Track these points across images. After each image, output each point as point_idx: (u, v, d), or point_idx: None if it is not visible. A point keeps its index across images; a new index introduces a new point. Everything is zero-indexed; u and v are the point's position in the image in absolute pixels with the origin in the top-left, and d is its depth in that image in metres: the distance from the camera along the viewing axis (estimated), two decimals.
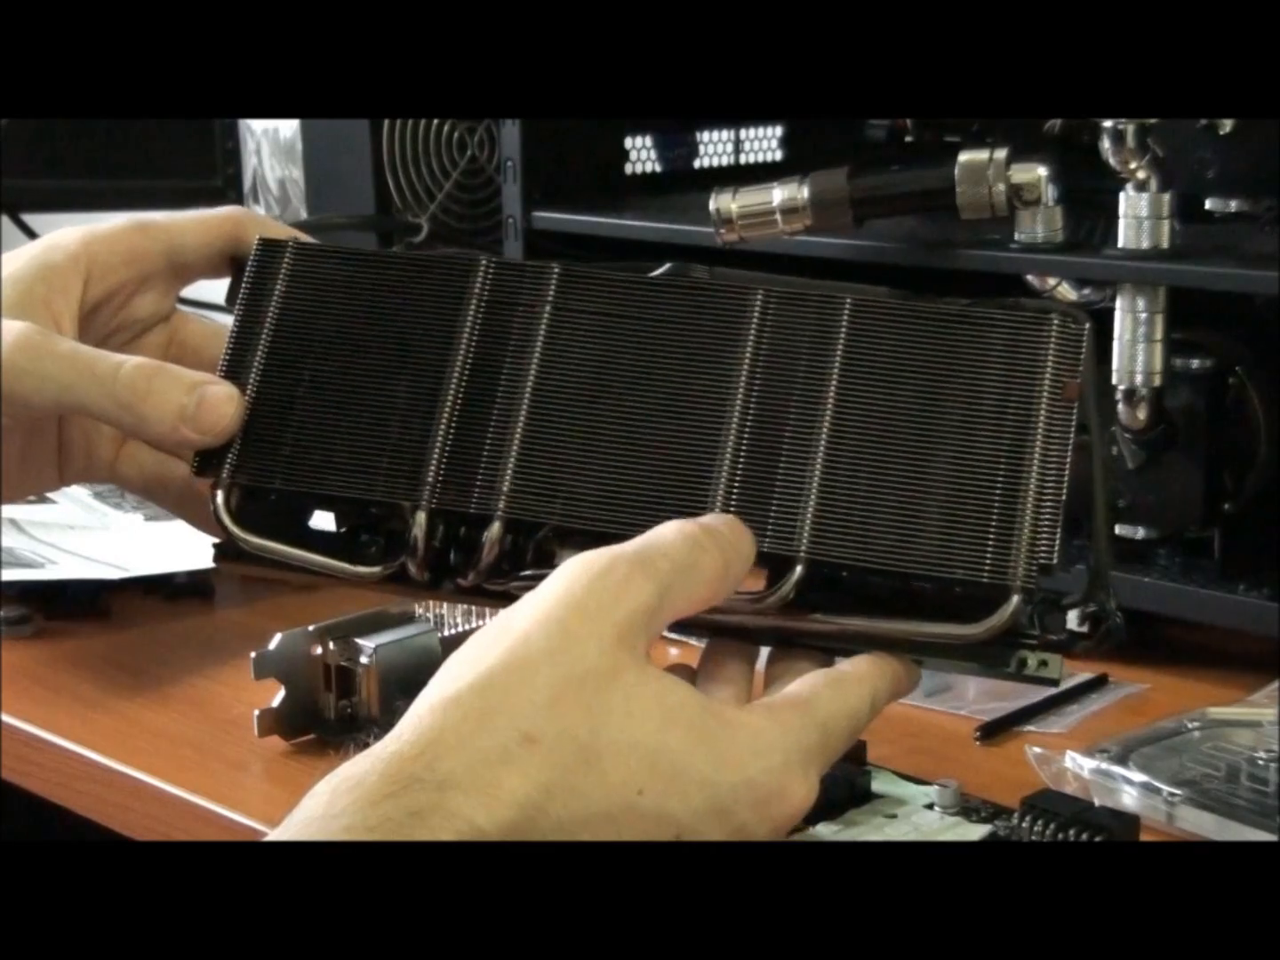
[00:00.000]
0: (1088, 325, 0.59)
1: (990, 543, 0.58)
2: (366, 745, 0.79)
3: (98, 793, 0.82)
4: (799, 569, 0.59)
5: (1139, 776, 0.73)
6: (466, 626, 0.86)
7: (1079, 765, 0.75)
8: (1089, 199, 0.91)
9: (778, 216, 0.93)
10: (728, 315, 0.62)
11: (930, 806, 0.73)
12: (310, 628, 0.81)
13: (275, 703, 0.81)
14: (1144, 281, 0.86)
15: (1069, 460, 0.59)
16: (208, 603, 1.02)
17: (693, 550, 0.57)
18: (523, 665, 0.53)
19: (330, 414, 0.64)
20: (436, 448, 0.62)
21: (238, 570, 0.67)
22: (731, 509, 0.60)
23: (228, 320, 0.68)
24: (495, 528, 0.61)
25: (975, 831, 0.71)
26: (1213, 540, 0.90)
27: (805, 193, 0.92)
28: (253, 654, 0.80)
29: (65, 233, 0.67)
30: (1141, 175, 0.86)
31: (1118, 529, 0.90)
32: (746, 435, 0.60)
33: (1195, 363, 0.89)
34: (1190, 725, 0.79)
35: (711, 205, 0.94)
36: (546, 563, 0.58)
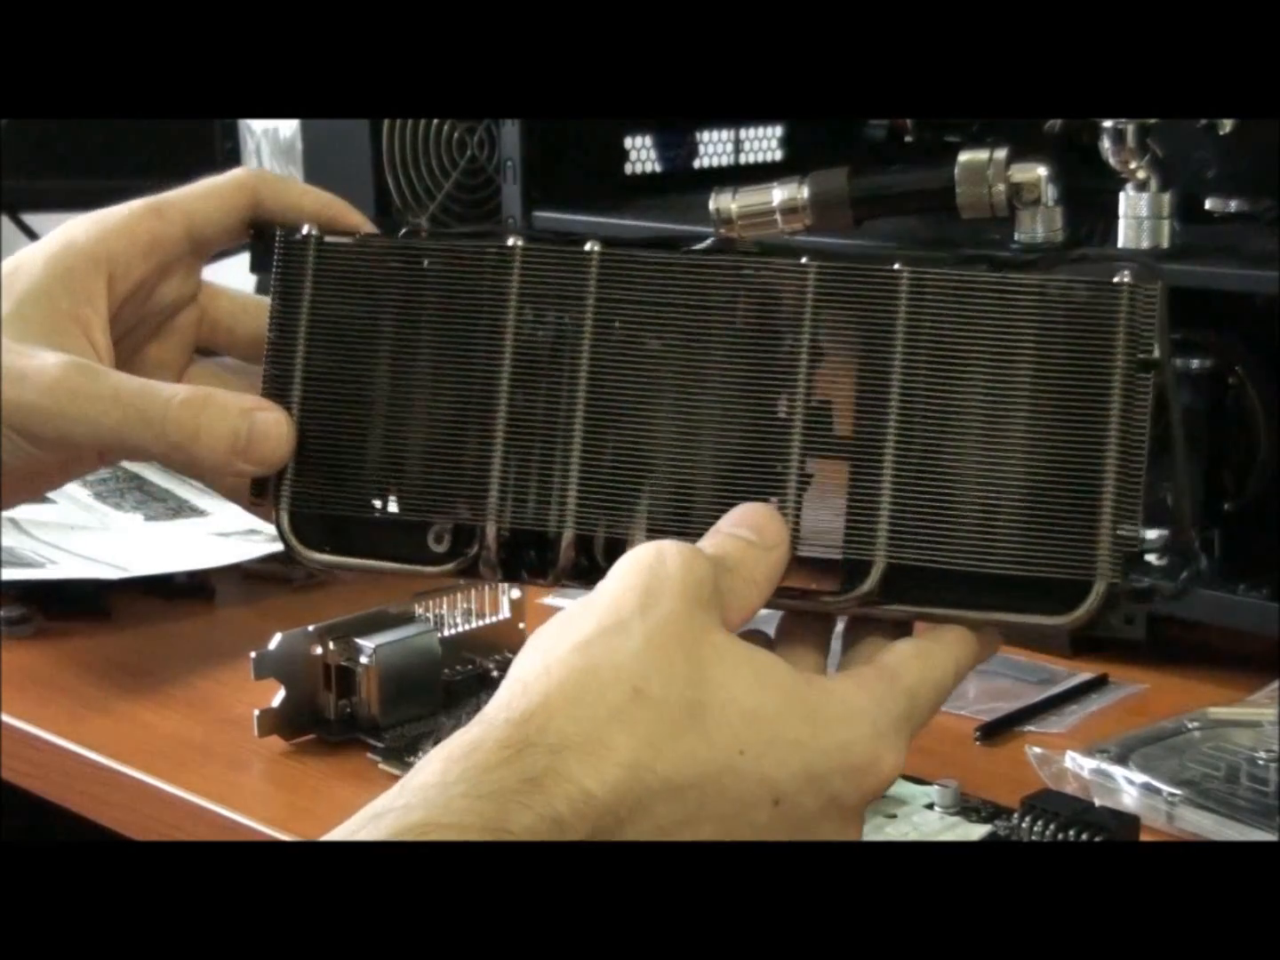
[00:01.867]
0: (1160, 284, 0.56)
1: (1074, 536, 0.56)
2: (367, 746, 0.80)
3: (98, 793, 0.82)
4: (878, 570, 0.57)
5: (1139, 776, 0.73)
6: (466, 626, 0.87)
7: (1079, 765, 0.75)
8: (1089, 199, 0.91)
9: (778, 216, 0.93)
10: (779, 296, 0.59)
11: (930, 806, 0.73)
12: (310, 628, 0.81)
13: (275, 703, 0.81)
14: None
15: (1148, 438, 0.56)
16: (208, 603, 1.02)
17: (747, 550, 0.56)
18: (618, 624, 0.53)
19: (381, 428, 0.62)
20: (497, 463, 0.60)
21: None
22: (803, 513, 0.58)
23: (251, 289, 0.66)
24: (568, 535, 0.60)
25: (975, 831, 0.71)
26: (1213, 540, 0.90)
27: (805, 193, 0.92)
28: (253, 654, 0.80)
29: (77, 229, 0.65)
30: (1141, 175, 0.86)
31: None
32: (813, 432, 0.58)
33: (1195, 363, 0.89)
34: (1190, 725, 0.79)
35: (711, 205, 0.94)
36: (621, 551, 0.57)
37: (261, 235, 0.66)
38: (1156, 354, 0.56)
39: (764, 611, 0.58)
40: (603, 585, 0.55)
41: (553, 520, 0.60)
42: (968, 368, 0.57)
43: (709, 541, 0.57)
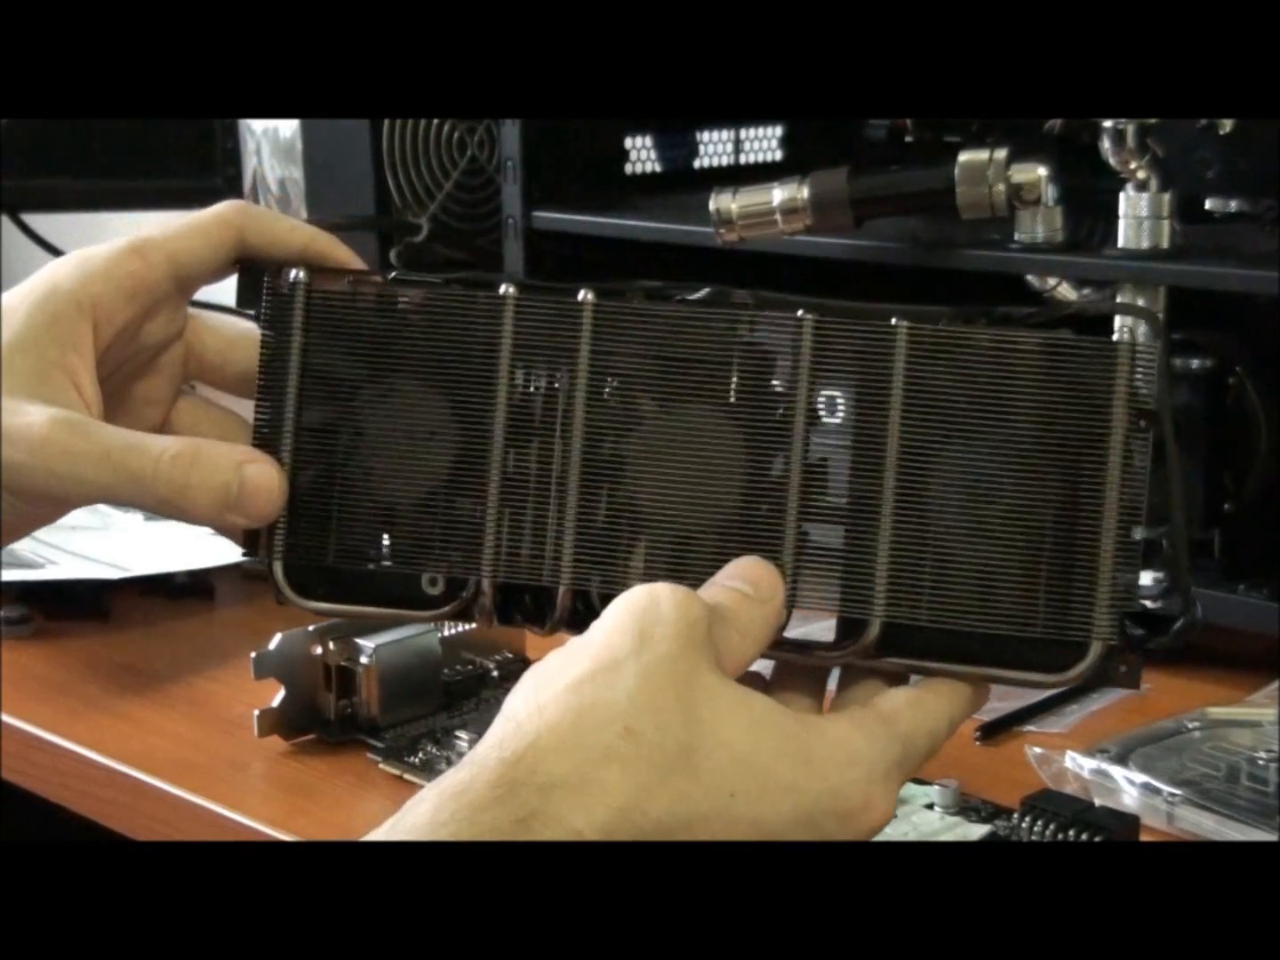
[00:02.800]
0: (1160, 343, 0.56)
1: (1072, 598, 0.56)
2: (367, 746, 0.80)
3: (98, 793, 0.83)
4: (874, 627, 0.57)
5: (1139, 776, 0.73)
6: (467, 627, 0.86)
7: (1079, 765, 0.75)
8: (1089, 199, 0.91)
9: (778, 216, 0.93)
10: (774, 350, 0.58)
11: (930, 806, 0.73)
12: (310, 628, 0.81)
13: (275, 703, 0.81)
14: (1144, 281, 0.86)
15: (1146, 497, 0.56)
16: (208, 603, 1.02)
17: (742, 602, 0.56)
18: (612, 664, 0.53)
19: (373, 479, 0.61)
20: (491, 517, 0.60)
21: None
22: (802, 571, 0.57)
23: (243, 322, 0.66)
24: (563, 591, 0.59)
25: (975, 831, 0.71)
26: (1213, 540, 0.90)
27: (805, 193, 0.92)
28: (253, 654, 0.80)
29: (60, 273, 0.63)
30: (1141, 175, 0.86)
31: None
32: (810, 489, 0.58)
33: (1195, 363, 0.89)
34: (1190, 725, 0.79)
35: (711, 205, 0.94)
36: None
37: (248, 271, 0.64)
38: (1154, 407, 0.56)
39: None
40: (597, 625, 0.55)
41: (547, 576, 0.60)
42: (965, 425, 0.57)
43: (705, 592, 0.56)
